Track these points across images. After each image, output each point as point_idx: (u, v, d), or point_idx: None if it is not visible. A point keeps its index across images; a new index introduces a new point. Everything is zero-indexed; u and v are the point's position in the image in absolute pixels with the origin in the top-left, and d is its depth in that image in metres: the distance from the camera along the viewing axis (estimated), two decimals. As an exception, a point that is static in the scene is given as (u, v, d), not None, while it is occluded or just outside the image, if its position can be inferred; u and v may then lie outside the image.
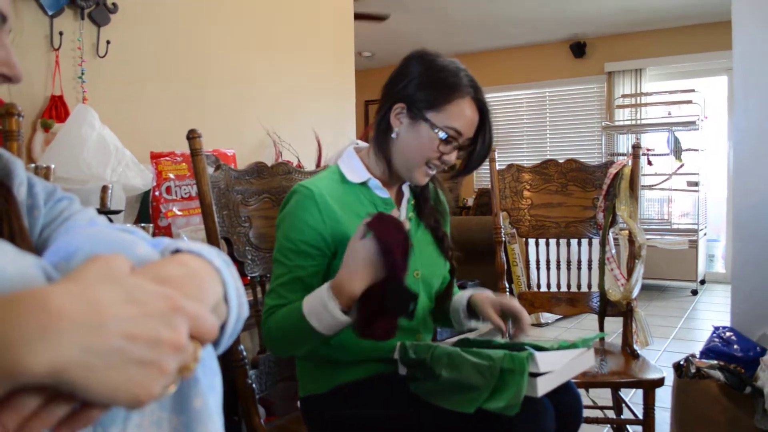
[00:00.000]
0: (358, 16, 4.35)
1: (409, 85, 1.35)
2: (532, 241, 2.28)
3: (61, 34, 2.29)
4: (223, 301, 0.65)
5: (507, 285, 2.19)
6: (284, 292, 1.28)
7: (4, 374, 0.42)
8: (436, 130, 1.33)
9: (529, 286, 4.30)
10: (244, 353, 1.45)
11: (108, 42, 2.45)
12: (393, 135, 1.37)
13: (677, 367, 2.12)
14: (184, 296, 0.54)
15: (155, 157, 2.16)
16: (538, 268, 2.30)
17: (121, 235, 0.62)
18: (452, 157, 1.38)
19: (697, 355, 2.23)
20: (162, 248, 0.65)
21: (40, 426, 0.46)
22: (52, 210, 0.76)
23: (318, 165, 3.24)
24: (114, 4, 2.46)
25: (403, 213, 1.46)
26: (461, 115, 1.34)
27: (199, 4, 2.88)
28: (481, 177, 7.66)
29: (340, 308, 1.15)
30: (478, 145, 1.41)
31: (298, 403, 1.45)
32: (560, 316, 4.58)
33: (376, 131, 1.40)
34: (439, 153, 1.35)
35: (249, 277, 1.54)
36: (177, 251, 0.65)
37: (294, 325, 1.20)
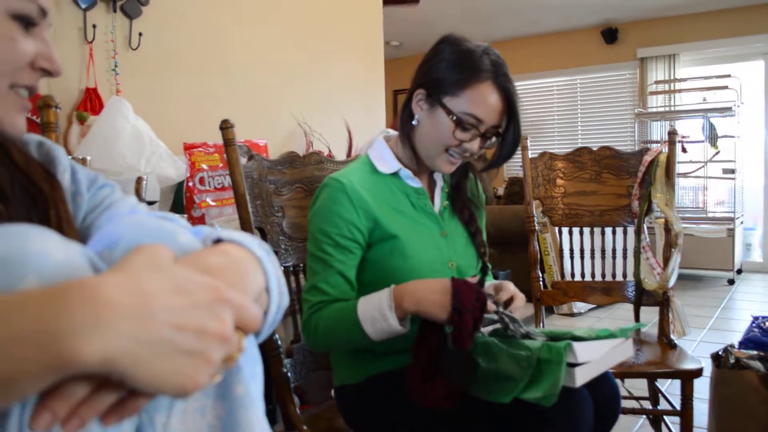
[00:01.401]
0: (388, 2, 4.32)
1: (431, 70, 1.32)
2: (565, 230, 2.25)
3: (94, 27, 2.32)
4: (265, 291, 0.66)
5: (540, 274, 2.17)
6: (326, 287, 1.28)
7: (57, 364, 0.43)
8: (452, 117, 1.29)
9: (562, 275, 4.25)
10: (279, 342, 1.46)
11: (140, 34, 2.47)
12: (414, 122, 1.36)
13: (715, 358, 2.08)
14: (228, 286, 0.54)
15: (188, 148, 2.17)
16: (571, 257, 2.28)
17: (163, 224, 0.63)
18: (474, 146, 1.32)
19: (736, 346, 2.18)
20: (203, 237, 0.65)
21: (89, 413, 0.47)
22: (94, 197, 0.77)
23: (348, 155, 3.24)
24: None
25: (437, 202, 1.44)
26: (480, 101, 1.28)
27: (229, -5, 2.89)
28: (512, 165, 7.59)
29: (398, 320, 1.16)
30: (508, 134, 1.35)
31: (332, 392, 1.46)
32: (593, 306, 4.53)
33: (401, 118, 1.39)
34: (457, 141, 1.31)
35: (282, 267, 1.54)
36: (218, 240, 0.65)
37: (345, 328, 1.22)
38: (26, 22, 0.67)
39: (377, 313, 1.18)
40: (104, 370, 0.45)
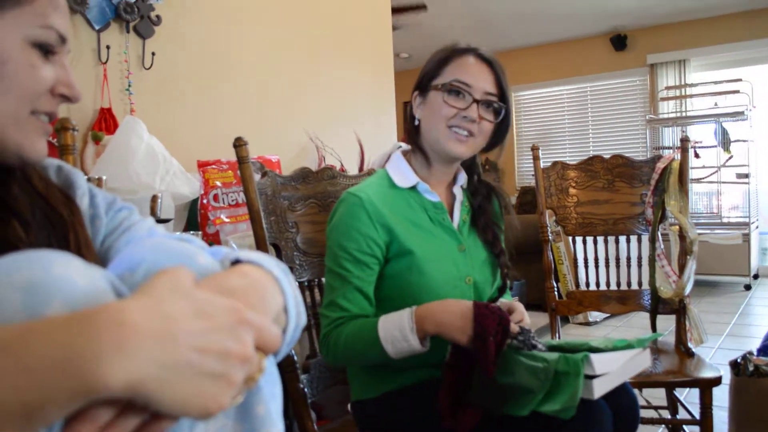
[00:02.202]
0: (397, 10, 4.35)
1: (421, 74, 1.40)
2: (579, 239, 2.25)
3: (108, 47, 2.35)
4: (283, 311, 0.67)
5: (554, 284, 2.17)
6: (344, 303, 1.28)
7: (84, 390, 0.44)
8: (441, 87, 1.34)
9: (577, 284, 4.23)
10: (295, 358, 1.46)
11: (153, 54, 2.50)
12: (416, 122, 1.40)
13: (734, 365, 2.06)
14: (248, 308, 0.55)
15: (202, 165, 2.19)
16: (586, 266, 2.27)
17: (181, 245, 0.64)
18: (472, 112, 1.33)
19: (755, 353, 2.16)
20: (221, 258, 0.66)
21: None
22: (112, 220, 0.79)
23: (361, 168, 3.25)
24: (158, 17, 2.51)
25: (456, 216, 1.43)
26: (463, 67, 1.34)
27: (241, 13, 2.92)
28: (523, 175, 7.58)
29: (420, 340, 1.17)
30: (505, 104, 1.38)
31: (349, 407, 1.46)
32: (609, 315, 4.50)
33: (406, 127, 1.44)
34: (454, 109, 1.32)
35: (297, 282, 1.55)
36: (237, 261, 0.66)
37: (365, 345, 1.23)
38: (45, 50, 0.68)
39: (398, 333, 1.19)
40: (130, 394, 0.46)
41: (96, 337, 0.44)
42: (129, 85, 2.43)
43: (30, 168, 0.73)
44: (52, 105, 0.71)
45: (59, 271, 0.50)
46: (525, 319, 1.32)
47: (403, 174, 1.40)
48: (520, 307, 1.35)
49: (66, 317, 0.46)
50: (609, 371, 1.13)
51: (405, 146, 1.50)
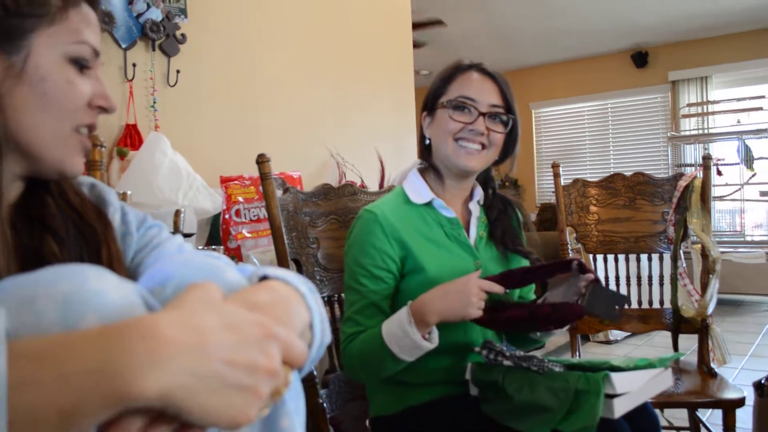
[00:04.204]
0: (417, 26, 4.40)
1: (427, 94, 1.43)
2: (599, 257, 2.23)
3: (134, 65, 2.40)
4: (309, 327, 0.68)
5: (575, 302, 2.15)
6: (360, 318, 1.29)
7: (117, 398, 0.45)
8: (447, 104, 1.36)
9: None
10: (315, 373, 1.47)
11: (178, 71, 2.55)
12: (427, 142, 1.43)
13: (758, 386, 2.03)
14: (275, 322, 0.56)
15: (224, 181, 2.22)
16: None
17: (210, 261, 0.65)
18: (479, 126, 1.34)
19: (779, 374, 2.13)
20: (249, 274, 0.68)
21: None
22: (143, 237, 0.81)
23: (381, 185, 3.27)
24: (183, 35, 2.56)
25: (473, 232, 1.44)
26: (467, 83, 1.37)
27: (263, 32, 2.97)
28: (543, 192, 7.55)
29: (420, 333, 1.17)
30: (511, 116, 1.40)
31: (368, 422, 1.46)
32: (629, 334, 4.45)
33: (419, 148, 1.47)
34: (460, 124, 1.34)
35: (318, 298, 1.56)
36: (264, 278, 0.67)
37: (374, 352, 1.23)
38: (81, 65, 0.71)
39: (399, 331, 1.18)
40: (161, 404, 0.47)
41: (129, 348, 0.46)
42: (154, 102, 2.47)
43: (65, 182, 0.75)
44: (91, 117, 0.74)
45: (94, 285, 0.52)
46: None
47: (419, 190, 1.41)
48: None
49: (100, 329, 0.48)
50: (630, 390, 1.12)
51: (425, 163, 1.51)
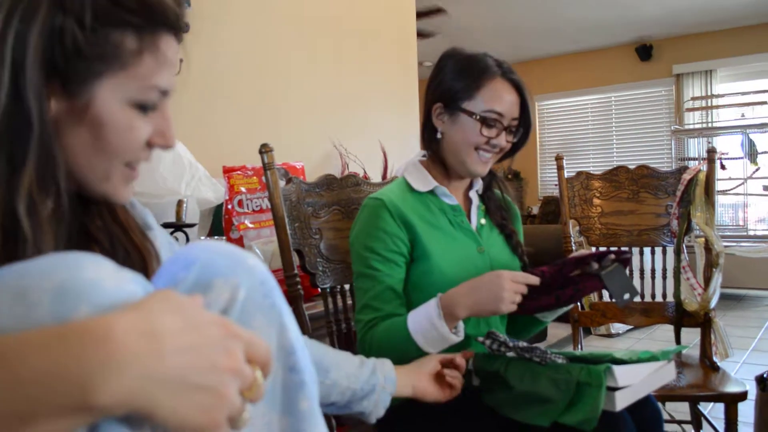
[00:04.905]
0: (418, 15, 4.40)
1: (442, 83, 1.39)
2: (602, 250, 2.23)
3: (137, 54, 2.39)
4: None
5: (577, 295, 2.15)
6: (378, 304, 1.29)
7: (75, 407, 0.44)
8: (475, 116, 1.34)
9: (600, 295, 4.19)
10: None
11: (181, 60, 2.53)
12: (438, 135, 1.41)
13: (760, 380, 2.03)
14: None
15: (227, 171, 2.21)
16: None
17: (232, 247, 0.66)
18: (501, 140, 1.37)
19: (781, 368, 2.13)
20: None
21: None
22: None
23: (384, 176, 3.26)
24: (186, 24, 2.54)
25: (474, 219, 1.46)
26: (496, 96, 1.35)
27: (266, 21, 2.95)
28: (546, 185, 7.54)
29: (448, 327, 1.18)
30: (521, 124, 1.41)
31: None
32: (631, 327, 4.45)
33: (424, 136, 1.45)
34: (485, 138, 1.35)
35: (320, 288, 1.56)
36: None
37: (398, 343, 1.23)
38: (145, 108, 0.69)
39: (427, 323, 1.19)
40: (124, 410, 0.46)
41: (83, 354, 0.45)
42: (157, 92, 2.46)
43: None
44: (146, 154, 0.72)
45: (89, 275, 0.51)
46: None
47: (421, 179, 1.43)
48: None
49: (59, 331, 0.46)
50: (632, 383, 1.12)
51: (427, 154, 1.52)
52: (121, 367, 0.45)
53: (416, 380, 1.17)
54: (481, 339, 1.26)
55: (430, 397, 1.19)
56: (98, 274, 0.51)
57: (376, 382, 1.11)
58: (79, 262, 0.51)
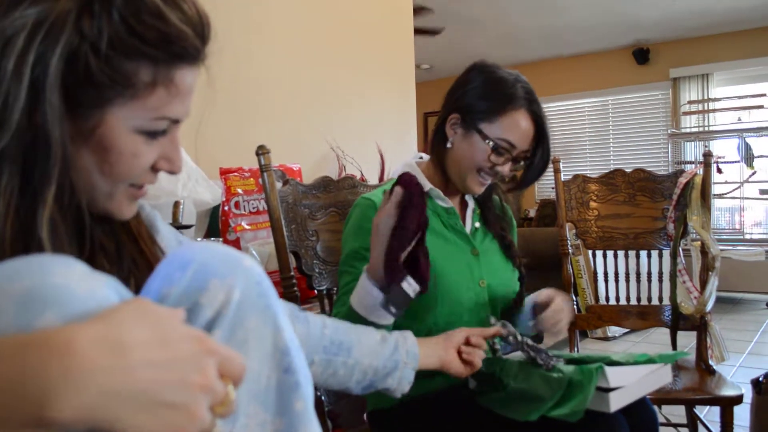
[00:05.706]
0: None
1: (465, 96, 1.37)
2: (599, 253, 2.23)
3: (134, 56, 2.38)
4: None
5: (573, 297, 2.15)
6: (348, 297, 1.29)
7: (33, 420, 0.42)
8: (488, 142, 1.33)
9: (596, 299, 4.20)
10: (313, 366, 1.46)
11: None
12: (448, 144, 1.40)
13: (756, 384, 2.03)
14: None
15: (224, 172, 2.21)
16: (606, 281, 2.25)
17: (228, 249, 0.66)
18: (505, 169, 1.37)
19: (777, 372, 2.13)
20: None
21: None
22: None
23: (381, 178, 3.26)
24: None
25: (469, 222, 1.46)
26: (514, 127, 1.33)
27: (264, 23, 2.95)
28: (543, 188, 7.55)
29: (376, 285, 1.15)
30: (536, 158, 1.40)
31: (365, 416, 1.46)
32: (628, 330, 4.45)
33: (433, 140, 1.44)
34: (491, 163, 1.35)
35: (316, 291, 1.56)
36: None
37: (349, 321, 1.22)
38: (154, 135, 0.68)
39: (360, 289, 1.17)
40: (84, 426, 0.44)
41: (41, 365, 0.43)
42: (154, 93, 2.46)
43: None
44: (150, 179, 0.71)
45: (57, 280, 0.49)
46: (556, 306, 1.34)
47: None
48: (550, 292, 1.37)
49: (20, 340, 0.44)
50: (625, 384, 1.12)
51: (425, 157, 1.51)
52: (82, 380, 0.43)
53: (443, 353, 1.16)
54: (493, 320, 1.25)
55: (454, 371, 1.18)
56: (67, 279, 0.49)
57: (399, 358, 1.09)
58: (47, 267, 0.49)
